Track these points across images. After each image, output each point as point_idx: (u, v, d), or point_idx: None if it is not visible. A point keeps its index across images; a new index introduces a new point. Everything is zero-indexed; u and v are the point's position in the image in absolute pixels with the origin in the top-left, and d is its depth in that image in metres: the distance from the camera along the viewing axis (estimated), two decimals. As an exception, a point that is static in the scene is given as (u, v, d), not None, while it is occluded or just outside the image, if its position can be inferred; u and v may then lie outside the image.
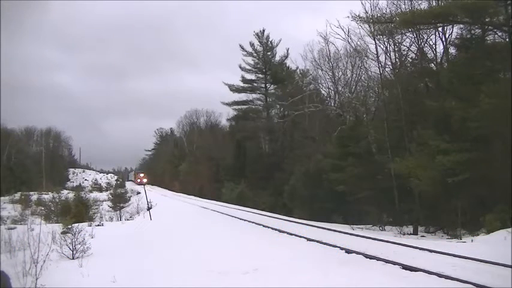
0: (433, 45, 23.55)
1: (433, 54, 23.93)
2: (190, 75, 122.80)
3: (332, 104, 32.67)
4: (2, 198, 35.45)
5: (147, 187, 32.08)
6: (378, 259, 9.41)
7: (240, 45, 44.62)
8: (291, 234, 14.50)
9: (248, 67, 44.56)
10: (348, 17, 23.59)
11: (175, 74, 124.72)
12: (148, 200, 26.64)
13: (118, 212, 29.41)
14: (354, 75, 30.68)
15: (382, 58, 25.48)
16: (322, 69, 32.17)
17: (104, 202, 32.67)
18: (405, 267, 8.44)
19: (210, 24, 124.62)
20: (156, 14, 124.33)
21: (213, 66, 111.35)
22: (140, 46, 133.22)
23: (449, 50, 22.51)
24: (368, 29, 24.82)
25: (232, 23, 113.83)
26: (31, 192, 41.81)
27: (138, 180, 42.40)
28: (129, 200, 32.85)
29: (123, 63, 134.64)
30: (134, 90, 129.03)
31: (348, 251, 10.62)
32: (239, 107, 46.69)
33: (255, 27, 45.25)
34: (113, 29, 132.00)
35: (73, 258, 10.48)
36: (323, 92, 34.63)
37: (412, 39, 23.89)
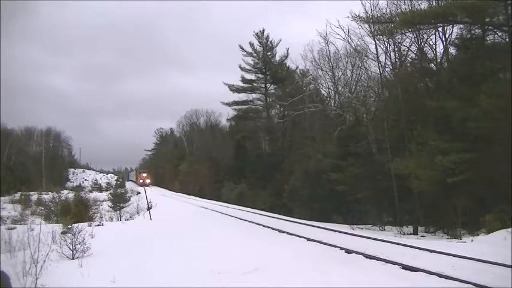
0: (433, 45, 23.56)
1: (433, 54, 23.94)
2: (188, 77, 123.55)
3: (332, 104, 32.64)
4: (2, 198, 35.45)
5: (147, 187, 32.00)
6: (378, 259, 9.41)
7: (240, 46, 44.65)
8: (291, 234, 14.48)
9: (248, 67, 44.56)
10: (348, 17, 23.63)
11: (173, 75, 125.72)
12: (148, 200, 26.65)
13: (118, 212, 29.40)
14: (354, 75, 30.69)
15: (382, 58, 25.56)
16: (322, 69, 32.11)
17: (104, 202, 32.67)
18: (405, 267, 8.44)
19: (208, 25, 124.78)
20: (148, 17, 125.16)
21: (212, 68, 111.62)
22: (135, 48, 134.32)
23: (449, 50, 22.53)
24: (368, 29, 24.87)
25: (230, 24, 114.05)
26: (31, 192, 41.83)
27: (141, 181, 41.25)
28: (129, 200, 32.87)
29: (118, 65, 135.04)
30: (132, 92, 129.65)
31: (348, 251, 10.61)
32: (239, 107, 46.71)
33: (254, 28, 45.18)
34: (105, 32, 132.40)
35: (73, 258, 10.48)
36: (323, 92, 34.63)
37: (412, 39, 23.91)
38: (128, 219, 26.09)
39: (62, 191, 38.83)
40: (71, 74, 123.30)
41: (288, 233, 14.87)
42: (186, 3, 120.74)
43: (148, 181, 38.19)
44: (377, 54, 25.31)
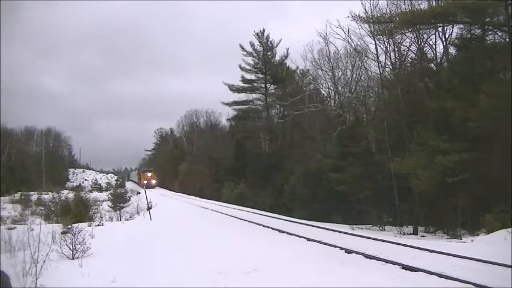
0: (433, 45, 23.60)
1: (433, 54, 23.98)
2: (187, 78, 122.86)
3: (332, 104, 32.66)
4: (2, 198, 35.40)
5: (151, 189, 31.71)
6: (378, 259, 9.42)
7: (240, 45, 44.67)
8: (291, 234, 14.50)
9: (248, 67, 44.56)
10: (348, 17, 23.67)
11: (172, 75, 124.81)
12: (148, 200, 26.64)
13: (118, 212, 29.35)
14: (354, 75, 30.70)
15: (382, 58, 25.58)
16: (322, 69, 32.16)
17: (104, 202, 32.61)
18: (405, 267, 8.45)
19: (206, 25, 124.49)
20: (145, 19, 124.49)
21: (212, 69, 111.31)
22: (127, 50, 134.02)
23: (449, 50, 22.53)
24: (368, 29, 24.90)
25: (229, 24, 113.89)
26: (31, 192, 41.74)
27: (145, 182, 38.82)
28: (129, 200, 32.80)
29: (111, 67, 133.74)
30: (130, 92, 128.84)
31: (348, 251, 10.63)
32: (239, 107, 46.71)
33: (255, 28, 45.36)
34: (97, 34, 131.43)
35: (73, 258, 10.46)
36: (323, 92, 34.66)
37: (412, 39, 23.93)
38: (128, 219, 26.04)
39: (62, 191, 38.71)
40: (62, 76, 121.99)
41: (287, 232, 14.89)
42: (176, 3, 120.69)
43: (154, 182, 35.49)
44: (377, 54, 25.36)
